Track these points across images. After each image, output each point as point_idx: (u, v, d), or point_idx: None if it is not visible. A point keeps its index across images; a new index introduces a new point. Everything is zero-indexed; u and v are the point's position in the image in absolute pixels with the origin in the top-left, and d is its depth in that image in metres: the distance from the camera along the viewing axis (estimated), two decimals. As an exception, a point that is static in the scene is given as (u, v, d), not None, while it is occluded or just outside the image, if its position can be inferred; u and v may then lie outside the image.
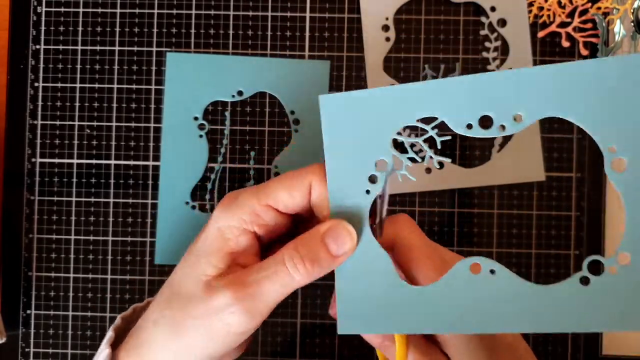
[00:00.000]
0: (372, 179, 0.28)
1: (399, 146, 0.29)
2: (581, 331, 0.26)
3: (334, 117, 0.28)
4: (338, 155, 0.28)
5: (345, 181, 0.28)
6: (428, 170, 0.46)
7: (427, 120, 0.28)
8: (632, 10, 0.45)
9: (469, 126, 0.27)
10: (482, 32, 0.46)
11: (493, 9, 0.46)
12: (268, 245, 0.32)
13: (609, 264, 0.26)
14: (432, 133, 0.28)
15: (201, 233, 0.31)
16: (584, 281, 0.26)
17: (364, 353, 0.46)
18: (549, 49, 0.46)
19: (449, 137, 0.29)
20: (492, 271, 0.27)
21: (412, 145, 0.27)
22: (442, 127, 0.28)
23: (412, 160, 0.28)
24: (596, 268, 0.27)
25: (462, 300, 0.28)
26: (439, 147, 0.28)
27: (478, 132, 0.27)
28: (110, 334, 0.33)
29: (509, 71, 0.26)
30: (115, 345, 0.32)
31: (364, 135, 0.28)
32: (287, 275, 0.28)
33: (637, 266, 0.26)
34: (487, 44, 0.46)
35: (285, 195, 0.29)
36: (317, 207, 0.30)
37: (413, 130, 0.28)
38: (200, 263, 0.30)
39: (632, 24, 0.46)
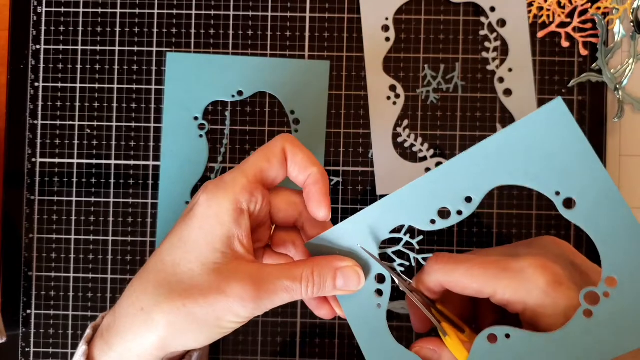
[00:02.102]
0: (378, 292, 0.32)
1: (386, 258, 0.32)
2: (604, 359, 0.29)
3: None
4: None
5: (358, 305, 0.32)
6: (428, 170, 0.46)
7: (397, 230, 0.31)
8: (631, 10, 0.45)
9: (432, 222, 0.30)
10: (482, 33, 0.46)
11: (493, 9, 0.46)
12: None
13: (602, 290, 0.28)
14: (406, 238, 0.32)
15: (190, 220, 0.31)
16: (587, 313, 0.28)
17: (363, 354, 0.46)
18: (548, 49, 0.46)
19: (421, 238, 0.32)
20: (507, 336, 0.29)
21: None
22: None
23: (402, 265, 0.32)
24: (593, 298, 0.29)
25: None
26: (417, 247, 0.31)
27: (441, 224, 0.30)
28: (88, 331, 0.33)
29: (443, 166, 0.30)
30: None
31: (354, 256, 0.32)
32: (298, 293, 0.30)
33: (625, 284, 0.28)
34: (486, 44, 0.46)
35: (266, 164, 0.31)
36: (295, 176, 0.32)
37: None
38: (204, 251, 0.30)
39: (632, 24, 0.46)
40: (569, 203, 0.29)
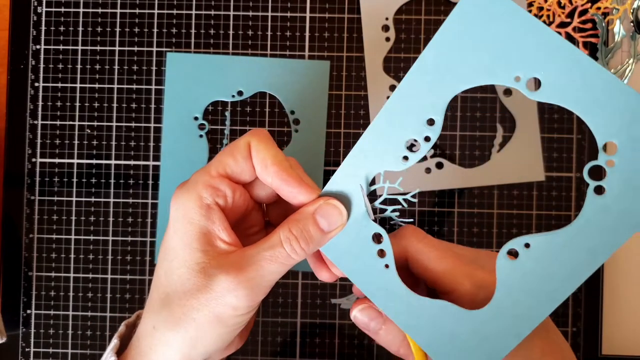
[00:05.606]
0: (380, 253, 0.29)
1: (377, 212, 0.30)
2: (627, 238, 0.26)
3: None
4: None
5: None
6: (428, 170, 0.46)
7: (376, 181, 0.29)
8: (631, 11, 0.45)
9: (405, 158, 0.28)
10: (482, 32, 0.46)
11: (493, 9, 0.46)
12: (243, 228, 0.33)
13: (604, 160, 0.26)
14: (387, 185, 0.29)
15: (168, 229, 0.31)
16: (598, 190, 0.26)
17: (363, 353, 0.46)
18: (548, 49, 0.46)
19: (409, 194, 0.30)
20: (526, 245, 0.27)
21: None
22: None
23: (396, 210, 0.30)
24: (598, 173, 0.26)
25: (521, 287, 0.27)
26: (400, 189, 0.30)
27: (414, 157, 0.28)
28: (115, 341, 0.32)
29: (393, 96, 0.28)
30: (119, 352, 0.32)
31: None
32: (285, 256, 0.29)
33: (626, 145, 0.25)
34: (487, 44, 0.46)
35: (230, 160, 0.30)
36: (263, 176, 0.30)
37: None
38: (184, 254, 0.29)
39: (632, 24, 0.46)
40: (533, 84, 0.26)
